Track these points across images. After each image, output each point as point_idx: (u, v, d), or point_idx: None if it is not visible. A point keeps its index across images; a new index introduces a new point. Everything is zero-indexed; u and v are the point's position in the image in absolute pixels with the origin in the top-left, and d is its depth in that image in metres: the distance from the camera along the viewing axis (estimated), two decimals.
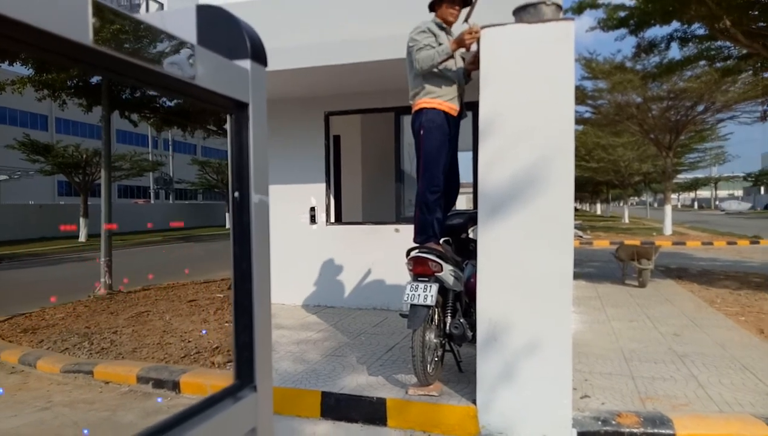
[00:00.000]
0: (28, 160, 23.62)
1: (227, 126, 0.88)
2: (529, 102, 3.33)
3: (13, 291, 10.18)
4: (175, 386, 4.25)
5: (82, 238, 23.05)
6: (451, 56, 3.75)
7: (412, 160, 5.52)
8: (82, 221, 23.46)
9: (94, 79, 9.94)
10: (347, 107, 6.98)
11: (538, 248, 3.27)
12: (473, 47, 3.72)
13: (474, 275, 3.67)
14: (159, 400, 4.15)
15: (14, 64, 8.90)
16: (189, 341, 5.34)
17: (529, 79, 3.34)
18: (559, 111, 3.27)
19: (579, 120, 21.45)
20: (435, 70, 3.74)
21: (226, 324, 5.93)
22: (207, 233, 30.03)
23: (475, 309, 3.57)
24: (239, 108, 0.86)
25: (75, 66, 0.58)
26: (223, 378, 4.18)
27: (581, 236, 18.72)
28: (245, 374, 0.86)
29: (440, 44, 3.76)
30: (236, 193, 0.86)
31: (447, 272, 3.70)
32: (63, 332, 5.95)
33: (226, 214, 36.88)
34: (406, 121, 6.32)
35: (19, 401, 4.25)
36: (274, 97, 6.76)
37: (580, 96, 18.21)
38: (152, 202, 45.59)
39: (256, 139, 0.86)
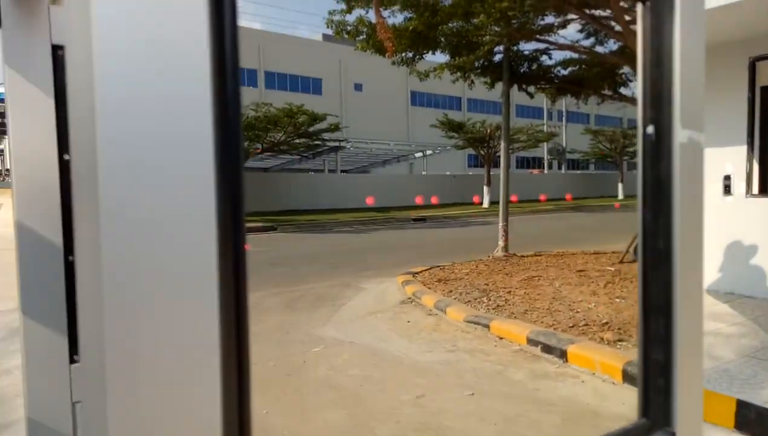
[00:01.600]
0: (446, 136, 27.74)
1: (637, 20, 0.59)
2: None
3: (432, 246, 12.20)
4: (563, 355, 4.26)
5: (485, 204, 25.78)
6: None
7: None
8: (485, 189, 26.23)
9: (497, 58, 10.71)
10: None
11: None
12: None
13: None
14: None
15: (435, 52, 10.37)
16: (577, 312, 5.27)
17: None
18: None
19: None
20: None
21: (617, 300, 5.60)
22: (598, 203, 29.23)
23: None
24: None
25: None
26: (612, 357, 3.94)
27: None
28: (657, 412, 0.57)
29: None
30: (649, 128, 0.57)
31: None
32: (467, 286, 6.75)
33: (619, 185, 35.01)
34: None
35: (433, 340, 5.04)
36: None
37: None
38: (546, 172, 47.24)
39: (686, 43, 0.55)
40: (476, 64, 10.69)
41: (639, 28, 0.56)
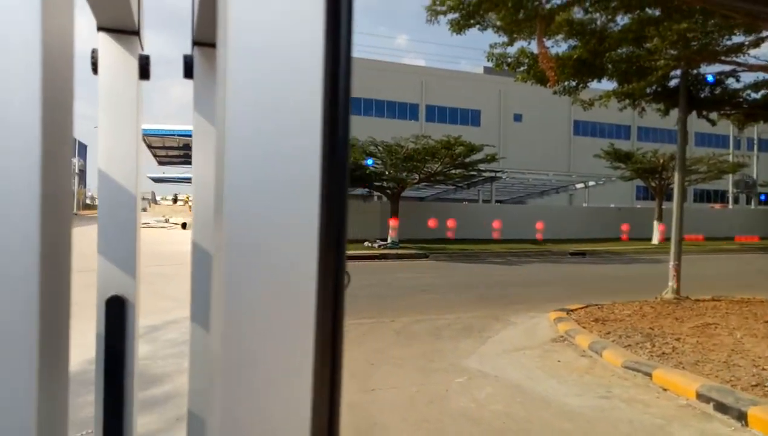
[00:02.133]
0: (611, 167, 25.99)
1: None
2: None
3: (590, 283, 11.42)
4: (742, 417, 3.69)
5: (655, 240, 23.47)
6: None
7: None
8: (655, 224, 23.93)
9: (673, 82, 9.91)
10: None
11: None
12: None
13: None
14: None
15: (602, 80, 9.88)
16: (763, 369, 4.54)
17: None
18: None
19: None
20: None
21: None
22: None
23: None
24: None
25: None
26: None
27: None
28: None
29: None
30: None
31: None
32: (628, 329, 6.20)
33: None
34: None
35: (585, 384, 4.71)
36: None
37: None
38: (730, 206, 41.62)
39: None
40: (648, 90, 9.99)
41: None
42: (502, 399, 4.31)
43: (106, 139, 0.97)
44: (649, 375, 4.62)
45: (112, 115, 0.98)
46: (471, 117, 40.19)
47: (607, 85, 10.54)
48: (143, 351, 5.40)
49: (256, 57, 0.39)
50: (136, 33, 0.98)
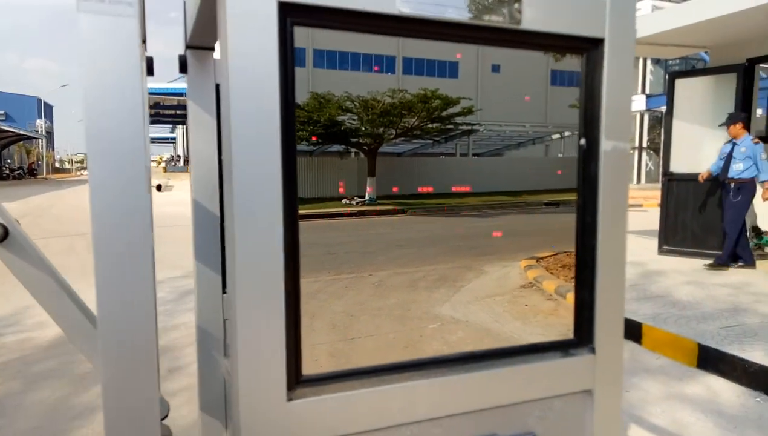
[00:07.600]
0: None
1: (581, 66, 0.79)
2: None
3: (561, 231, 11.83)
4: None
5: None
6: None
7: None
8: None
9: None
10: None
11: None
12: None
13: None
14: None
15: None
16: None
17: None
18: None
19: None
20: None
21: None
22: None
23: None
24: (593, 45, 0.76)
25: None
26: None
27: None
28: (583, 333, 0.84)
29: None
30: (582, 141, 0.81)
31: None
32: None
33: None
34: None
35: (548, 324, 5.06)
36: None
37: None
38: None
39: (612, 81, 0.76)
40: None
41: (582, 71, 0.78)
42: (472, 340, 4.63)
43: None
44: None
45: None
46: (449, 69, 39.70)
47: None
48: None
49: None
50: (143, 41, 1.22)
